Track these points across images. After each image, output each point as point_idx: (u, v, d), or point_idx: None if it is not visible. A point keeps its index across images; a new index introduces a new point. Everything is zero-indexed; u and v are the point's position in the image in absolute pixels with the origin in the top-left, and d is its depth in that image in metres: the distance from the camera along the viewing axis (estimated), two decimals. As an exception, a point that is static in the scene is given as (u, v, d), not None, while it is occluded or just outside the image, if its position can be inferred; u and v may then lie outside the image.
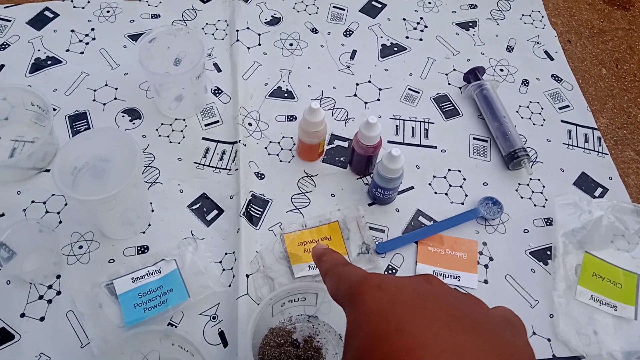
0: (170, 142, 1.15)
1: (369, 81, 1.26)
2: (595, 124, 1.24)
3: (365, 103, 1.22)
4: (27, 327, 0.93)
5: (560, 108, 1.25)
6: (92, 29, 1.33)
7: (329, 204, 1.08)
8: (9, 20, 1.33)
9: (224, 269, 0.99)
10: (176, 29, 1.16)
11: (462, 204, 1.09)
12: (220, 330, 0.93)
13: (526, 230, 1.07)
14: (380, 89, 1.25)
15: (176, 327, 0.94)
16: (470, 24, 1.39)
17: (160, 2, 1.39)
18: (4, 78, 1.24)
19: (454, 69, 1.29)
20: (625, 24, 2.46)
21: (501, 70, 1.31)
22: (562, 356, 0.94)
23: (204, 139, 1.17)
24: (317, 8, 1.40)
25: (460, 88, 1.26)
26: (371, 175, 1.10)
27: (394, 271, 1.00)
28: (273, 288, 0.96)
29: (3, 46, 1.28)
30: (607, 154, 1.19)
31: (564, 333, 0.95)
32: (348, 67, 1.29)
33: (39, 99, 1.10)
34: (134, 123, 1.18)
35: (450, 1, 1.44)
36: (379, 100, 1.23)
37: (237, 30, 1.33)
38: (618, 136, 2.08)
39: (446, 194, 1.10)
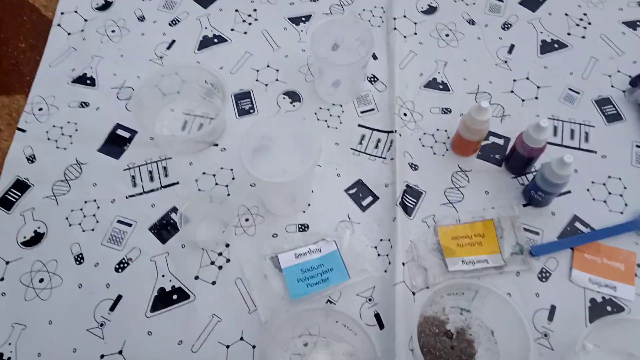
0: (328, 126, 1.20)
1: (527, 78, 1.25)
2: None
3: (523, 100, 1.21)
4: (200, 288, 1.02)
5: None
6: (255, 10, 1.40)
7: (482, 200, 1.09)
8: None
9: (379, 254, 1.04)
10: (344, 19, 1.19)
11: (622, 213, 1.07)
12: (376, 312, 0.98)
13: (690, 247, 1.03)
14: (538, 87, 1.23)
15: (334, 304, 0.99)
16: (639, 23, 1.33)
17: (319, -14, 1.43)
18: (175, 52, 1.33)
19: (619, 71, 1.25)
20: None
21: (669, 74, 1.26)
22: None
23: (359, 125, 1.21)
24: (475, -2, 1.38)
25: (624, 92, 1.22)
26: (527, 175, 1.10)
27: (547, 274, 1.01)
28: (426, 278, 0.99)
29: (174, 22, 1.37)
30: None
31: None
32: (505, 61, 1.28)
33: (213, 77, 1.17)
34: (294, 105, 1.23)
35: (617, -4, 1.38)
36: (536, 98, 1.22)
37: (394, 19, 1.34)
38: None
39: (605, 201, 1.08)
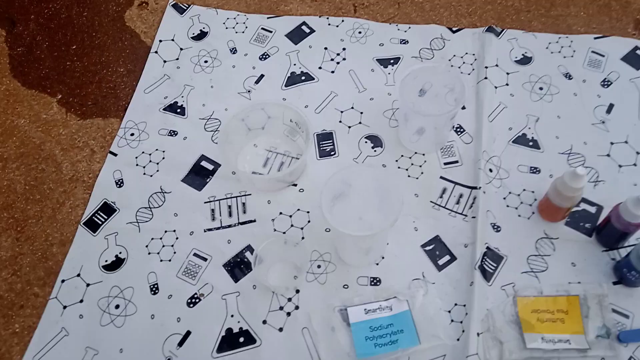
0: (409, 176, 1.18)
1: (626, 142, 1.18)
2: None
3: (620, 166, 1.15)
4: (267, 334, 1.02)
5: None
6: (344, 49, 1.39)
7: (568, 273, 1.03)
8: (271, 32, 1.44)
9: (452, 320, 1.00)
10: (435, 67, 1.16)
11: None
12: (445, 383, 0.95)
13: None
14: (638, 153, 1.16)
15: (401, 368, 0.96)
16: None
17: (409, 28, 1.41)
18: (263, 87, 1.34)
19: None
20: None
21: None
22: None
23: (442, 178, 1.17)
24: (574, 51, 1.33)
25: None
26: (619, 250, 1.03)
27: (635, 363, 0.94)
28: (502, 352, 0.95)
29: (264, 56, 1.39)
30: None
31: None
32: (603, 122, 1.21)
33: (299, 116, 1.18)
34: (375, 150, 1.22)
35: None
36: (635, 165, 1.14)
37: (486, 67, 1.30)
38: None
39: None
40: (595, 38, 1.34)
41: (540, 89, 1.27)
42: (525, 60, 1.33)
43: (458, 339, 0.98)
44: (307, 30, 1.44)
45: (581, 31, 1.37)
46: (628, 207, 0.93)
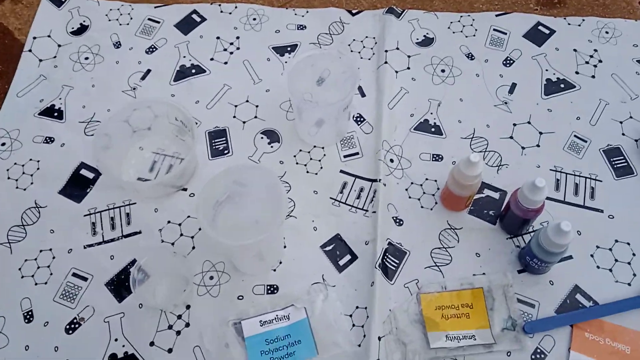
0: (308, 171, 1.10)
1: (529, 122, 1.14)
2: None
3: (523, 148, 1.10)
4: (155, 356, 0.93)
5: None
6: (237, 37, 1.30)
7: (472, 264, 0.98)
8: (158, 22, 1.33)
9: (354, 325, 0.93)
10: (328, 53, 1.09)
11: (629, 284, 0.95)
12: (346, 395, 0.88)
13: None
14: (541, 133, 1.12)
15: (300, 383, 0.89)
16: (655, 62, 1.21)
17: (307, 12, 1.33)
18: (150, 83, 1.24)
19: (631, 117, 1.13)
20: None
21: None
22: None
23: (341, 171, 1.10)
24: (476, 30, 1.27)
25: (637, 141, 1.10)
26: (524, 236, 0.98)
27: (542, 356, 0.89)
28: (405, 355, 0.89)
29: (151, 49, 1.28)
30: None
31: None
32: (505, 102, 1.16)
33: (183, 115, 1.08)
34: (272, 147, 1.13)
35: (631, 31, 1.25)
36: (538, 146, 1.10)
37: (386, 51, 1.24)
38: None
39: (610, 270, 0.97)
40: (497, 15, 1.28)
41: (442, 71, 1.22)
42: (426, 42, 1.27)
43: (359, 345, 0.91)
44: (198, 19, 1.33)
45: (483, 9, 1.32)
46: (525, 193, 0.88)
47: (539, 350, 0.90)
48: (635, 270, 0.96)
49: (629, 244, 0.99)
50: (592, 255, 0.98)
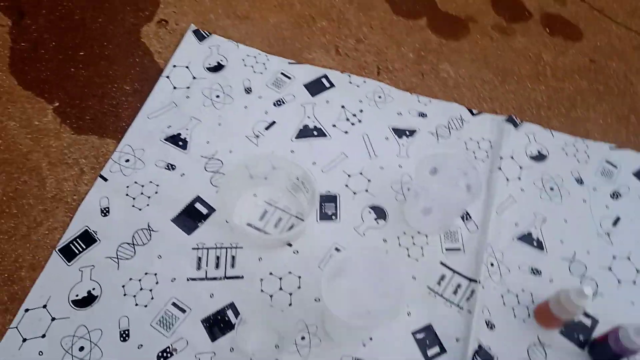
0: (409, 256, 1.14)
1: (629, 258, 1.16)
2: None
3: (619, 281, 1.13)
4: (238, 405, 0.94)
5: None
6: (361, 111, 1.36)
7: (558, 389, 0.99)
8: (289, 78, 1.40)
9: None
10: (455, 154, 1.13)
11: None
12: None
13: None
14: (638, 271, 1.14)
15: None
16: None
17: (430, 102, 1.39)
18: (272, 134, 1.30)
19: None
20: None
21: None
22: None
23: (441, 263, 1.13)
24: (588, 157, 1.32)
25: None
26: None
27: None
28: None
29: (279, 102, 1.34)
30: None
31: None
32: (608, 234, 1.19)
33: (306, 176, 1.12)
34: (378, 222, 1.18)
35: None
36: (634, 283, 1.12)
37: (501, 158, 1.28)
38: None
39: None
40: (611, 149, 1.32)
41: (551, 189, 1.26)
42: (539, 158, 1.31)
43: None
44: (327, 84, 1.40)
45: (597, 138, 1.36)
46: (629, 334, 0.91)
47: None
48: None
49: None
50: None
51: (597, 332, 1.04)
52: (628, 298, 1.10)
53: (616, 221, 1.21)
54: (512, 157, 1.29)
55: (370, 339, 1.03)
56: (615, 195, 1.25)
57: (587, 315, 1.08)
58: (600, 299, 1.10)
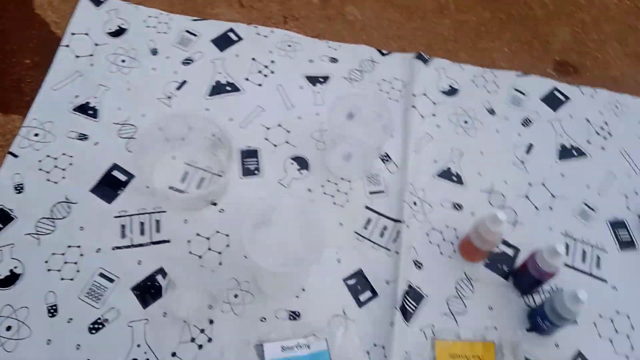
0: (334, 203, 1.15)
1: (543, 184, 1.21)
2: None
3: (537, 208, 1.18)
4: (177, 368, 0.95)
5: None
6: (272, 61, 1.34)
7: (485, 317, 1.05)
8: (195, 35, 1.36)
9: (371, 362, 0.98)
10: (366, 92, 1.14)
11: (627, 357, 1.02)
12: None
13: None
14: (553, 196, 1.20)
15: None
16: (660, 142, 1.31)
17: (340, 46, 1.38)
18: (185, 94, 1.27)
19: (636, 193, 1.22)
20: None
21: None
22: None
23: (367, 207, 1.15)
24: (498, 87, 1.35)
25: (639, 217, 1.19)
26: (534, 295, 1.06)
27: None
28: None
29: (187, 61, 1.31)
30: None
31: None
32: (522, 162, 1.24)
33: (221, 132, 1.11)
34: (301, 173, 1.18)
35: (639, 109, 1.35)
36: (551, 209, 1.18)
37: (414, 95, 1.30)
38: None
39: (611, 340, 1.05)
40: (518, 76, 1.36)
41: (465, 122, 1.29)
42: (451, 92, 1.34)
43: (378, 381, 0.96)
44: (235, 38, 1.37)
45: (504, 67, 1.40)
46: (544, 257, 0.95)
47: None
48: (633, 344, 1.04)
49: (628, 317, 1.07)
50: (594, 324, 1.06)
51: (519, 261, 1.09)
52: (546, 224, 1.16)
53: (529, 148, 1.26)
54: (424, 94, 1.31)
55: (303, 289, 1.04)
56: (526, 122, 1.30)
57: (508, 245, 1.12)
58: (521, 227, 1.15)
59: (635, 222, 1.17)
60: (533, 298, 1.06)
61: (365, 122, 1.15)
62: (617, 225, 1.17)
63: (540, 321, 0.98)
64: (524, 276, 1.02)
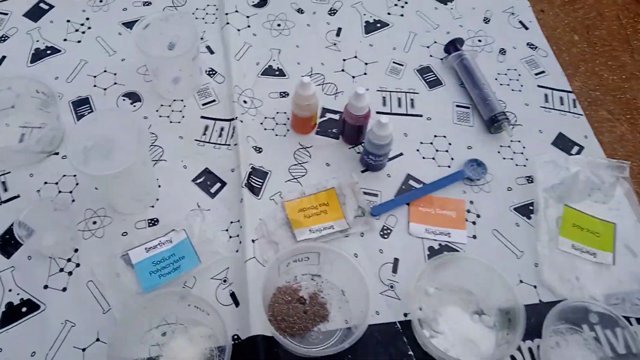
0: (171, 122, 1.22)
1: (355, 56, 1.34)
2: (570, 87, 1.32)
3: (353, 77, 1.30)
4: (51, 297, 1.00)
5: (536, 74, 1.34)
6: (87, 19, 1.39)
7: (324, 172, 1.15)
8: (6, 14, 1.38)
9: (230, 237, 1.07)
10: (169, 14, 1.23)
11: (449, 167, 1.17)
12: (231, 292, 1.01)
13: (509, 189, 1.15)
14: (366, 64, 1.32)
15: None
16: (445, -2, 1.47)
17: (150, -11, 1.45)
18: (7, 68, 1.29)
19: (435, 42, 1.37)
20: (595, -8, 2.56)
21: (479, 40, 1.39)
22: (547, 301, 1.03)
23: (202, 117, 1.23)
24: (300, -12, 1.46)
25: (441, 59, 1.34)
26: (362, 144, 1.17)
27: (388, 231, 1.08)
28: (277, 251, 1.04)
29: (2, 38, 1.33)
30: (582, 115, 1.28)
31: (548, 280, 1.03)
32: (334, 44, 1.36)
33: (44, 86, 1.16)
34: (134, 105, 1.24)
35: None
36: (365, 74, 1.30)
37: (227, 14, 1.39)
38: (592, 97, 2.20)
39: (433, 158, 1.18)
40: (316, -25, 1.48)
41: (279, 25, 1.39)
42: (261, 3, 1.44)
43: (237, 251, 1.04)
44: (46, 7, 1.41)
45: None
46: (352, 103, 1.07)
47: (385, 227, 1.09)
48: (452, 155, 1.19)
49: (445, 136, 1.21)
50: (418, 150, 1.19)
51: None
52: (363, 87, 1.25)
53: (339, 32, 1.38)
54: (236, 11, 1.40)
55: (157, 199, 1.11)
56: (332, 11, 1.41)
57: (334, 112, 1.23)
58: (342, 96, 1.27)
59: (438, 65, 1.32)
60: (363, 146, 1.17)
61: (185, 46, 1.22)
62: (424, 71, 1.31)
63: (367, 158, 1.10)
64: (347, 129, 1.14)
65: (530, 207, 1.12)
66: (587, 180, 1.11)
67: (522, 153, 1.19)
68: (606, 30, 2.41)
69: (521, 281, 1.03)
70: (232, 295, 1.00)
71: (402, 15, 1.41)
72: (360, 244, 1.06)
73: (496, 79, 1.31)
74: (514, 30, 1.41)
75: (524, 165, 1.17)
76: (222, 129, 1.20)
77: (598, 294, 1.01)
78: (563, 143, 1.21)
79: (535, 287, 1.03)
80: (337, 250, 0.97)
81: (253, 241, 1.04)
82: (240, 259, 1.03)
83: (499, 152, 1.19)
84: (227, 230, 1.07)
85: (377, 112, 1.23)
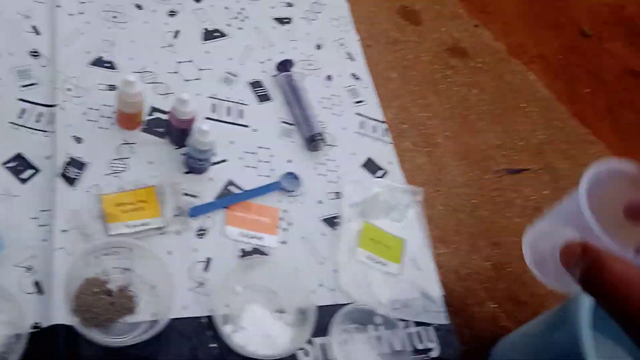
0: (-16, 101, 1.15)
1: (190, 61, 1.37)
2: (384, 118, 1.48)
3: (186, 80, 1.32)
4: None
5: (356, 102, 1.47)
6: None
7: (146, 170, 1.16)
8: None
9: (40, 225, 1.03)
10: None
11: (268, 177, 1.24)
12: (36, 280, 0.98)
13: (320, 202, 1.26)
14: (200, 69, 1.36)
15: (-12, 278, 0.96)
16: (286, 20, 1.56)
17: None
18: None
19: (269, 59, 1.45)
20: (415, 37, 2.85)
21: (310, 64, 1.50)
22: (342, 303, 1.14)
23: (20, 99, 1.18)
24: (140, -12, 1.45)
25: (273, 76, 1.41)
26: (187, 145, 1.21)
27: (204, 232, 1.12)
28: (88, 243, 1.03)
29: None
30: (391, 143, 1.43)
31: (345, 285, 1.15)
32: (171, 45, 1.38)
33: None
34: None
35: (270, -4, 1.59)
36: (198, 79, 1.34)
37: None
38: (400, 129, 2.46)
39: (255, 167, 1.25)
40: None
41: (115, 17, 1.37)
42: (97, -7, 1.40)
43: (46, 240, 1.01)
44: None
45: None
46: (177, 107, 1.10)
47: (201, 228, 1.13)
48: (272, 167, 1.26)
49: (268, 148, 1.29)
50: (241, 158, 1.25)
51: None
52: (195, 91, 1.30)
53: (176, 34, 1.39)
54: (60, 1, 1.35)
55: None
56: (172, 13, 1.43)
57: (161, 111, 1.25)
58: (173, 96, 1.27)
59: (269, 80, 1.39)
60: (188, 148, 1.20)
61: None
62: (256, 85, 1.38)
63: (190, 161, 1.13)
64: (172, 130, 1.16)
65: (336, 220, 1.23)
66: (385, 201, 1.26)
67: (335, 171, 1.31)
68: (420, 72, 2.70)
69: (322, 285, 1.13)
70: (37, 283, 0.97)
71: (240, 28, 1.47)
72: (175, 242, 1.09)
73: (320, 102, 1.41)
74: (341, 60, 1.54)
75: (335, 182, 1.29)
76: (40, 115, 1.16)
77: (385, 299, 1.14)
78: (371, 166, 1.35)
79: (333, 290, 1.13)
80: (146, 247, 1.00)
81: (64, 231, 1.02)
82: (48, 248, 1.00)
83: (315, 168, 1.29)
84: (37, 217, 1.03)
85: (206, 118, 1.26)
